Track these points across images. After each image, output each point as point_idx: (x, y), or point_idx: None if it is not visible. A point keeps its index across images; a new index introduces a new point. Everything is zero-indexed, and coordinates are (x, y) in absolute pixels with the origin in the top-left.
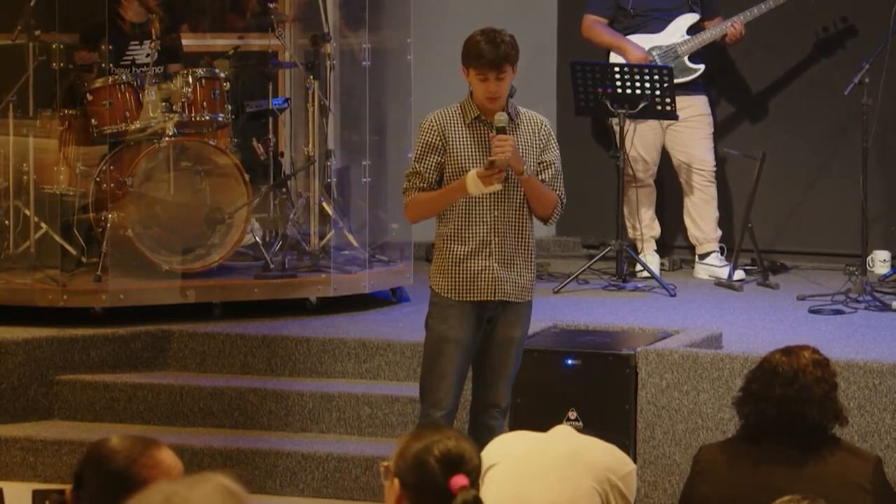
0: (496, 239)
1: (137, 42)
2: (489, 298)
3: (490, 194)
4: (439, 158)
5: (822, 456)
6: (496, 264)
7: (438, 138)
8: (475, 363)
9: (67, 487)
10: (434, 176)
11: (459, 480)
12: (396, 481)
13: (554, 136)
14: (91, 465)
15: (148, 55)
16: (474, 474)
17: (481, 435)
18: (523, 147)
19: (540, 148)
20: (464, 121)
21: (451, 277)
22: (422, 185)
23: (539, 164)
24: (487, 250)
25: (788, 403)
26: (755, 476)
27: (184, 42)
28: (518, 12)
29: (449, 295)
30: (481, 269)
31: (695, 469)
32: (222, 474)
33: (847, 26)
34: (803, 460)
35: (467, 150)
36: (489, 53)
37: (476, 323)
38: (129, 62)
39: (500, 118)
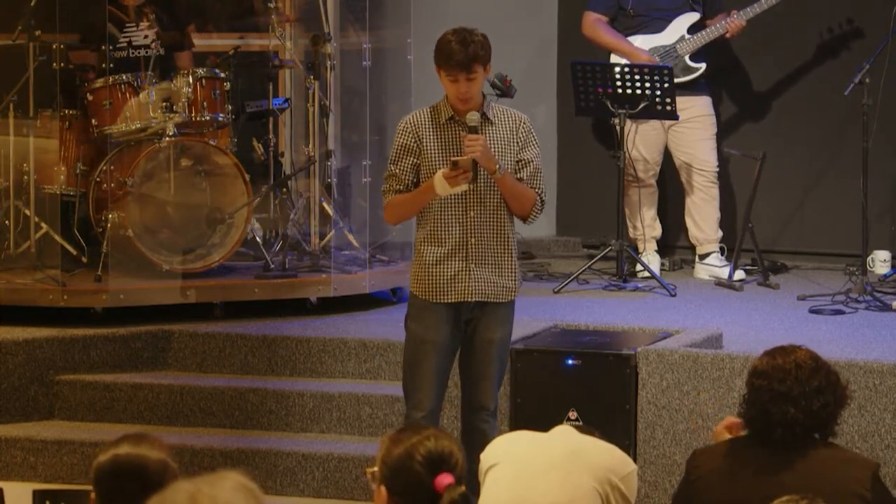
0: (473, 240)
1: (133, 24)
2: (466, 299)
3: (466, 195)
4: (415, 160)
5: (820, 463)
6: (473, 265)
7: (413, 140)
8: (460, 366)
9: None
10: (410, 178)
11: (444, 479)
12: (383, 489)
13: (534, 134)
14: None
15: (146, 36)
16: (458, 470)
17: (473, 438)
18: (499, 146)
19: (518, 146)
20: (438, 121)
21: (428, 279)
22: (398, 187)
23: (517, 161)
24: (464, 251)
25: (785, 404)
26: (752, 483)
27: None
28: (518, 12)
29: (426, 297)
30: (458, 271)
31: (690, 475)
32: (237, 472)
33: (851, 28)
34: (801, 467)
35: (441, 152)
36: (458, 54)
37: (454, 324)
38: (125, 44)
39: (472, 117)
